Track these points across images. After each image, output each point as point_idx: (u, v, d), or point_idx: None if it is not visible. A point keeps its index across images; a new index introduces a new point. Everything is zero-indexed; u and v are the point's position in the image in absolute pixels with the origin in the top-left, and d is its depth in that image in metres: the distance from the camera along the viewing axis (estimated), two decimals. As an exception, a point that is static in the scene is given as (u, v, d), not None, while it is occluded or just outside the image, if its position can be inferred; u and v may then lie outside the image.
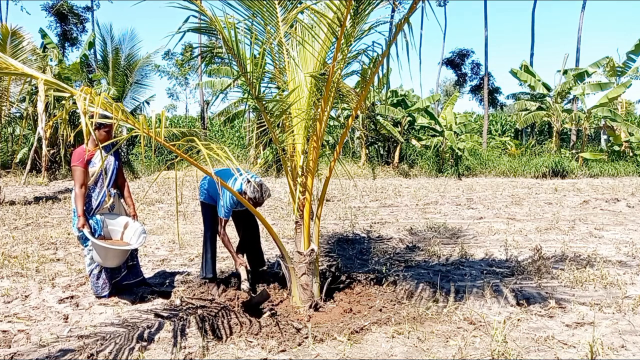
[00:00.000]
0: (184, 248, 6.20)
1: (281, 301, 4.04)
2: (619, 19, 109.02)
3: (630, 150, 19.06)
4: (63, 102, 14.49)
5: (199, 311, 3.82)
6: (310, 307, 3.82)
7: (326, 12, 3.69)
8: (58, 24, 29.63)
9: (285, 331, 3.42)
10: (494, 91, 31.28)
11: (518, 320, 3.64)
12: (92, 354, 3.10)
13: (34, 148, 14.26)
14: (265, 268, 4.84)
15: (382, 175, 17.47)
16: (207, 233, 4.54)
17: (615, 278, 4.66)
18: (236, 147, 22.01)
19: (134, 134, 3.02)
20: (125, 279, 4.38)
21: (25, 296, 4.26)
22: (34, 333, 3.47)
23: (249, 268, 4.47)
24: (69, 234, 6.91)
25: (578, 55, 21.62)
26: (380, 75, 3.86)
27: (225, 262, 5.42)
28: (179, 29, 3.36)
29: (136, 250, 4.46)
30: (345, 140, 5.04)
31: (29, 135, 16.78)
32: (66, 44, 30.04)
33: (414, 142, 19.89)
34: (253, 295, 4.00)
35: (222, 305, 3.94)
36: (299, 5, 3.97)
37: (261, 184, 4.04)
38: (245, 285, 4.15)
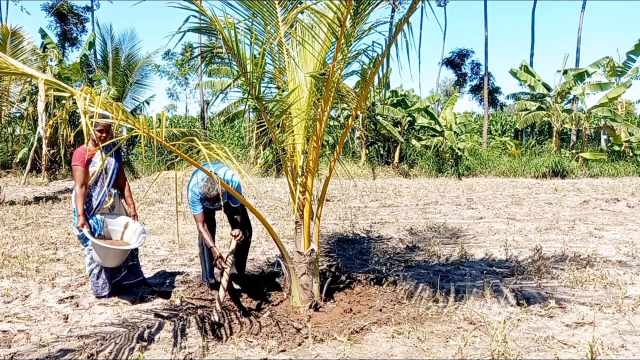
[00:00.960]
0: (184, 248, 6.20)
1: (281, 301, 4.04)
2: (619, 19, 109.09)
3: (630, 150, 19.06)
4: (63, 102, 14.51)
5: (199, 311, 3.82)
6: (310, 307, 3.82)
7: (326, 12, 3.69)
8: (58, 24, 29.64)
9: (285, 331, 3.42)
10: (494, 91, 31.29)
11: (518, 320, 3.64)
12: (92, 354, 3.10)
13: (34, 148, 14.25)
14: (243, 274, 4.56)
15: (382, 175, 17.47)
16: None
17: (615, 278, 4.66)
18: (236, 147, 22.03)
19: (134, 134, 3.02)
20: (125, 279, 4.39)
21: (25, 296, 4.26)
22: (34, 333, 3.47)
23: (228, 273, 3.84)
24: (69, 234, 6.91)
25: (578, 55, 21.64)
26: (380, 75, 3.86)
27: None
28: (179, 29, 3.36)
29: (136, 250, 4.46)
30: (345, 140, 5.03)
31: (29, 135, 16.77)
32: (66, 44, 30.04)
33: (414, 142, 19.89)
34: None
35: (222, 305, 3.94)
36: (299, 5, 3.97)
37: (207, 178, 3.85)
38: (216, 309, 3.51)
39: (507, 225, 7.64)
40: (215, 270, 4.30)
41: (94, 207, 4.12)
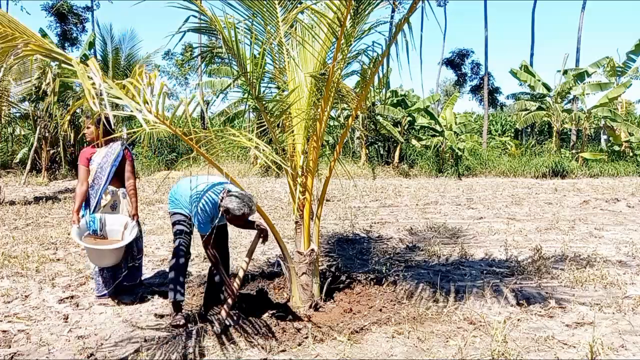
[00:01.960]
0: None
1: (281, 301, 4.04)
2: (619, 19, 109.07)
3: (630, 150, 19.06)
4: (65, 100, 14.51)
5: (199, 311, 3.81)
6: (310, 307, 3.82)
7: (326, 12, 3.68)
8: (58, 24, 29.63)
9: (285, 331, 3.42)
10: (494, 91, 31.29)
11: (518, 320, 3.64)
12: (92, 354, 3.10)
13: (34, 148, 14.25)
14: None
15: (382, 175, 17.47)
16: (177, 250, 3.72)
17: (615, 278, 4.66)
18: (236, 147, 22.00)
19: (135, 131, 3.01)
20: (125, 280, 4.37)
21: (25, 296, 4.26)
22: (34, 333, 3.47)
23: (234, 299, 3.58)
24: (68, 234, 6.90)
25: (578, 55, 21.65)
26: (380, 75, 3.86)
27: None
28: (179, 29, 3.36)
29: (140, 252, 4.44)
30: (345, 140, 5.03)
31: (29, 135, 16.77)
32: (66, 44, 30.02)
33: (414, 142, 19.89)
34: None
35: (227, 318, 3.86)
36: (299, 5, 3.98)
37: (245, 194, 3.40)
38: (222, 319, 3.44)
39: (507, 225, 7.63)
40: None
41: (92, 205, 4.12)
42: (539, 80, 19.29)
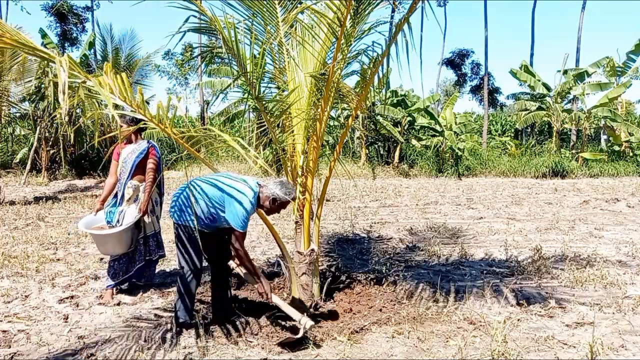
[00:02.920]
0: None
1: (281, 301, 4.04)
2: (619, 19, 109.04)
3: (630, 150, 19.06)
4: (76, 87, 14.49)
5: (199, 311, 3.81)
6: (310, 307, 3.81)
7: (326, 12, 3.68)
8: (58, 24, 29.59)
9: (285, 331, 3.41)
10: (494, 91, 31.27)
11: (518, 320, 3.64)
12: (92, 354, 3.10)
13: (34, 148, 14.25)
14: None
15: (382, 175, 17.46)
16: (213, 268, 3.56)
17: (615, 278, 4.66)
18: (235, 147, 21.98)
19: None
20: (138, 276, 4.40)
21: (25, 296, 4.26)
22: (34, 333, 3.47)
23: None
24: (68, 234, 6.91)
25: (578, 55, 21.64)
26: (380, 75, 3.87)
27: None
28: (179, 29, 3.36)
29: (161, 248, 4.53)
30: (345, 140, 5.03)
31: (29, 135, 16.77)
32: (66, 44, 29.99)
33: (414, 142, 19.89)
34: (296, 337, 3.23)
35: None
36: (299, 5, 3.98)
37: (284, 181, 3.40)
38: (307, 322, 3.22)
39: (507, 225, 7.63)
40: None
41: (118, 198, 4.32)
42: (539, 80, 19.29)
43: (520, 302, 4.01)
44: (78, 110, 15.07)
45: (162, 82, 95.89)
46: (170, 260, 5.59)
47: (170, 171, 15.82)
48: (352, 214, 8.75)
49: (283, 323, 3.54)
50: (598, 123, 20.21)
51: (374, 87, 4.10)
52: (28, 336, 3.41)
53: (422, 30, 30.42)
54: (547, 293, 4.26)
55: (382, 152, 19.92)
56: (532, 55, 24.83)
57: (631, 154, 18.85)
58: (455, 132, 18.90)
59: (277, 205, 3.35)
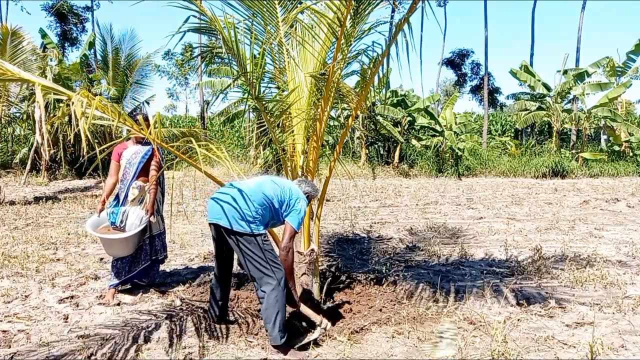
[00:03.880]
0: (184, 248, 6.20)
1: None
2: (619, 19, 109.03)
3: (630, 150, 19.06)
4: (63, 102, 14.52)
5: (199, 311, 3.82)
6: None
7: (326, 12, 3.69)
8: (58, 24, 29.61)
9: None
10: (494, 91, 31.28)
11: (518, 320, 3.64)
12: (92, 354, 3.10)
13: (34, 148, 14.25)
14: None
15: (382, 175, 17.47)
16: (280, 277, 3.12)
17: (615, 278, 4.66)
18: (236, 147, 22.00)
19: (132, 135, 3.02)
20: (142, 276, 4.41)
21: (25, 296, 4.26)
22: (34, 333, 3.47)
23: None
24: (69, 234, 6.91)
25: (578, 55, 21.65)
26: (380, 75, 3.86)
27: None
28: (179, 29, 3.36)
29: (165, 249, 4.56)
30: (345, 140, 5.03)
31: (29, 135, 16.77)
32: (66, 44, 30.01)
33: (414, 142, 19.89)
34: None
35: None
36: (299, 5, 3.98)
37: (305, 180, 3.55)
38: (327, 324, 3.31)
39: (507, 225, 7.63)
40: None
41: (121, 199, 4.32)
42: (539, 80, 19.29)
43: (520, 302, 4.01)
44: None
45: (162, 82, 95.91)
46: (170, 261, 5.59)
47: (170, 171, 15.80)
48: (352, 214, 8.75)
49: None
50: (598, 123, 20.22)
51: (374, 87, 4.10)
52: (28, 336, 3.41)
53: (422, 30, 30.43)
54: (547, 293, 4.26)
55: (382, 152, 19.93)
56: (532, 55, 24.85)
57: (631, 154, 18.86)
58: (455, 132, 18.90)
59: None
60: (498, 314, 3.80)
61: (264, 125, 4.03)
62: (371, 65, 3.84)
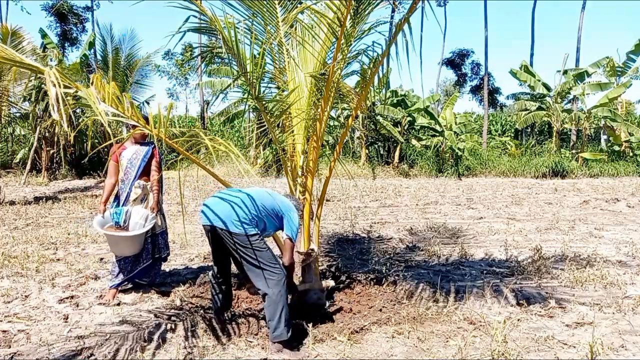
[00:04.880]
0: (184, 248, 6.20)
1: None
2: (619, 19, 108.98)
3: (630, 150, 19.07)
4: (68, 98, 14.51)
5: (199, 311, 3.82)
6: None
7: (326, 12, 3.69)
8: (58, 24, 29.59)
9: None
10: (494, 91, 31.28)
11: (518, 320, 3.64)
12: (92, 354, 3.10)
13: (34, 148, 14.26)
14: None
15: (382, 175, 17.47)
16: (281, 277, 3.19)
17: (615, 278, 4.66)
18: (236, 147, 22.00)
19: (137, 132, 3.01)
20: (144, 275, 4.41)
21: (25, 296, 4.26)
22: (34, 333, 3.47)
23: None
24: (69, 234, 6.91)
25: (578, 55, 21.65)
26: (380, 75, 3.86)
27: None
28: (179, 29, 3.37)
29: (167, 247, 4.58)
30: (345, 140, 5.03)
31: (29, 135, 16.77)
32: (66, 44, 29.99)
33: (414, 142, 19.89)
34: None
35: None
36: (299, 5, 3.98)
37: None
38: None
39: (507, 225, 7.63)
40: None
41: (122, 199, 4.35)
42: (539, 80, 19.30)
43: (520, 302, 4.01)
44: (78, 110, 15.06)
45: (162, 82, 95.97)
46: (170, 261, 5.59)
47: (170, 171, 15.81)
48: (352, 214, 8.75)
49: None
50: (598, 123, 20.22)
51: (374, 87, 4.10)
52: (28, 336, 3.41)
53: (422, 30, 30.44)
54: (547, 293, 4.26)
55: (382, 152, 19.93)
56: (532, 55, 24.84)
57: (631, 154, 18.86)
58: (455, 132, 18.90)
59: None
60: (498, 314, 3.80)
61: (264, 125, 4.03)
62: (371, 65, 3.84)
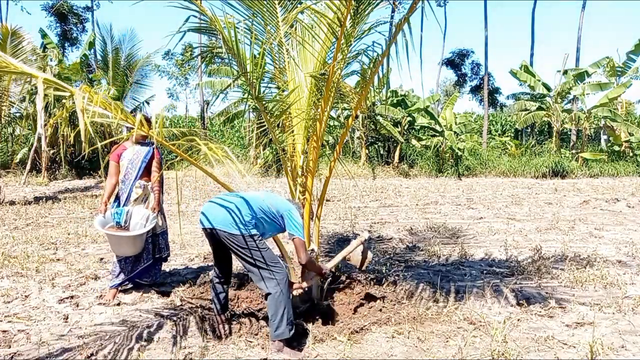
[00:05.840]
0: (184, 248, 6.20)
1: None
2: (619, 19, 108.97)
3: (630, 150, 19.06)
4: (63, 101, 14.53)
5: (199, 311, 3.82)
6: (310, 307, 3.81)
7: (326, 12, 3.68)
8: (58, 24, 29.61)
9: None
10: (493, 91, 31.28)
11: (518, 320, 3.64)
12: (92, 354, 3.10)
13: (34, 148, 14.26)
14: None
15: (382, 175, 17.47)
16: (281, 276, 3.20)
17: (615, 278, 4.66)
18: (236, 147, 22.00)
19: (141, 132, 3.01)
20: (145, 275, 4.42)
21: (25, 296, 4.26)
22: (34, 333, 3.47)
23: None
24: (69, 234, 6.91)
25: (578, 55, 21.65)
26: (380, 75, 3.86)
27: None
28: (179, 29, 3.36)
29: (167, 247, 4.59)
30: (345, 140, 5.03)
31: (29, 135, 16.78)
32: (66, 44, 30.01)
33: (414, 142, 19.89)
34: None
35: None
36: (299, 5, 3.98)
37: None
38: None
39: (507, 225, 7.63)
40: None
41: (123, 199, 4.36)
42: (539, 80, 19.29)
43: (520, 302, 4.01)
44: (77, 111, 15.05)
45: (162, 82, 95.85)
46: (170, 261, 5.59)
47: (170, 171, 15.80)
48: (352, 214, 8.75)
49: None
50: (598, 123, 20.22)
51: (374, 87, 4.09)
52: (28, 336, 3.41)
53: (422, 30, 30.41)
54: (547, 293, 4.26)
55: (382, 152, 19.94)
56: (532, 55, 24.85)
57: (631, 154, 18.86)
58: (455, 132, 18.91)
59: None
60: (498, 314, 3.80)
61: (264, 125, 4.02)
62: (371, 65, 3.84)
